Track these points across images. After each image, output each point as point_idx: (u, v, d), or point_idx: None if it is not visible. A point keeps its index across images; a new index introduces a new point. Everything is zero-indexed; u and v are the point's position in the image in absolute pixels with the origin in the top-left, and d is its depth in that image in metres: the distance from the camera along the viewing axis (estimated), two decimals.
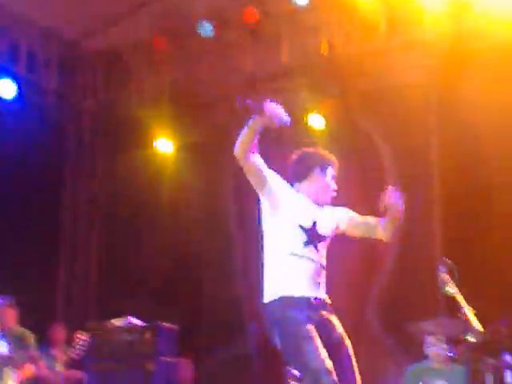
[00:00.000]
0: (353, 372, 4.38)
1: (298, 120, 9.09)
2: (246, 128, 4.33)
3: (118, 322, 7.68)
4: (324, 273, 4.53)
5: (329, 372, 4.16)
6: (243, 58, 9.34)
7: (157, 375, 7.25)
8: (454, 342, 6.47)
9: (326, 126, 9.10)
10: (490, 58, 8.00)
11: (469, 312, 5.87)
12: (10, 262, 8.68)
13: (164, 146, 9.91)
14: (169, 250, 9.44)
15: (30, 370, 7.77)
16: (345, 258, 8.94)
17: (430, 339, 6.94)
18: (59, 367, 7.61)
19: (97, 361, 7.44)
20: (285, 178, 4.59)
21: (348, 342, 4.45)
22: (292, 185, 4.69)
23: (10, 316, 8.04)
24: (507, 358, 6.32)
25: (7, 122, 9.12)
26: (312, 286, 4.45)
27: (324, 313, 4.46)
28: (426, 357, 7.09)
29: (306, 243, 4.46)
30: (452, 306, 6.00)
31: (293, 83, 9.09)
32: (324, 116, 9.10)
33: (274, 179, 4.53)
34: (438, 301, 7.05)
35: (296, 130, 9.11)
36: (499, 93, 7.84)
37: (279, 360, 7.31)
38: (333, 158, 4.84)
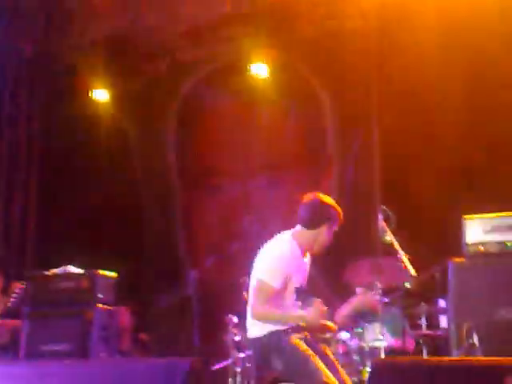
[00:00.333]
0: (342, 374, 4.83)
1: (242, 69, 9.06)
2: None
3: (56, 270, 7.60)
4: None
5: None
6: (186, 6, 9.20)
7: (95, 323, 7.19)
8: (390, 288, 6.50)
9: (270, 74, 9.04)
10: (429, 2, 8.03)
11: (404, 258, 5.92)
12: None
13: (101, 94, 9.78)
14: (109, 198, 9.34)
15: None
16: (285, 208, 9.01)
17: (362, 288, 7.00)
18: None
19: (34, 309, 7.35)
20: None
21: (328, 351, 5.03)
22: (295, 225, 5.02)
23: None
24: (441, 302, 6.38)
25: None
26: None
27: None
28: None
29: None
30: (389, 252, 6.06)
31: (236, 32, 8.99)
32: (267, 65, 9.03)
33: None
34: (376, 248, 7.07)
35: (240, 80, 9.11)
36: (438, 35, 7.85)
37: (219, 306, 7.36)
38: (341, 213, 5.10)
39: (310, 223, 5.02)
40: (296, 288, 4.87)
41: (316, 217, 5.03)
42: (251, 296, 4.90)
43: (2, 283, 8.06)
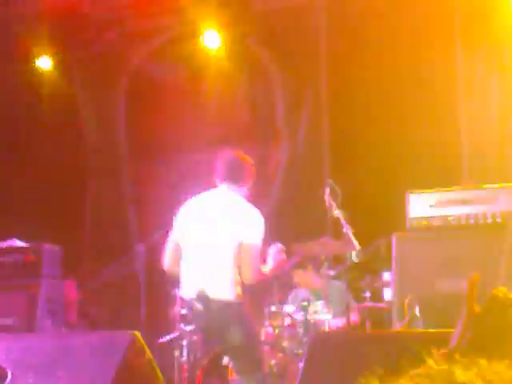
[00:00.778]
0: None
1: (192, 41, 8.99)
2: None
3: (1, 243, 7.54)
4: None
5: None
6: None
7: (41, 296, 7.16)
8: (335, 261, 6.57)
9: (221, 47, 8.99)
10: None
11: (349, 231, 5.97)
12: None
13: (44, 62, 9.63)
14: (51, 168, 9.24)
15: None
16: None
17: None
18: None
19: None
20: None
21: None
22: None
23: None
24: (385, 275, 6.46)
25: None
26: None
27: None
28: None
29: None
30: (335, 226, 6.11)
31: (186, 2, 8.91)
32: (219, 36, 8.98)
33: None
34: (323, 222, 7.12)
35: (191, 52, 9.05)
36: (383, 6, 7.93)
37: (165, 281, 7.35)
38: None
39: (243, 181, 5.02)
40: None
41: (246, 175, 5.01)
42: (247, 260, 4.80)
43: None
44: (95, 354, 3.38)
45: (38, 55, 9.57)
